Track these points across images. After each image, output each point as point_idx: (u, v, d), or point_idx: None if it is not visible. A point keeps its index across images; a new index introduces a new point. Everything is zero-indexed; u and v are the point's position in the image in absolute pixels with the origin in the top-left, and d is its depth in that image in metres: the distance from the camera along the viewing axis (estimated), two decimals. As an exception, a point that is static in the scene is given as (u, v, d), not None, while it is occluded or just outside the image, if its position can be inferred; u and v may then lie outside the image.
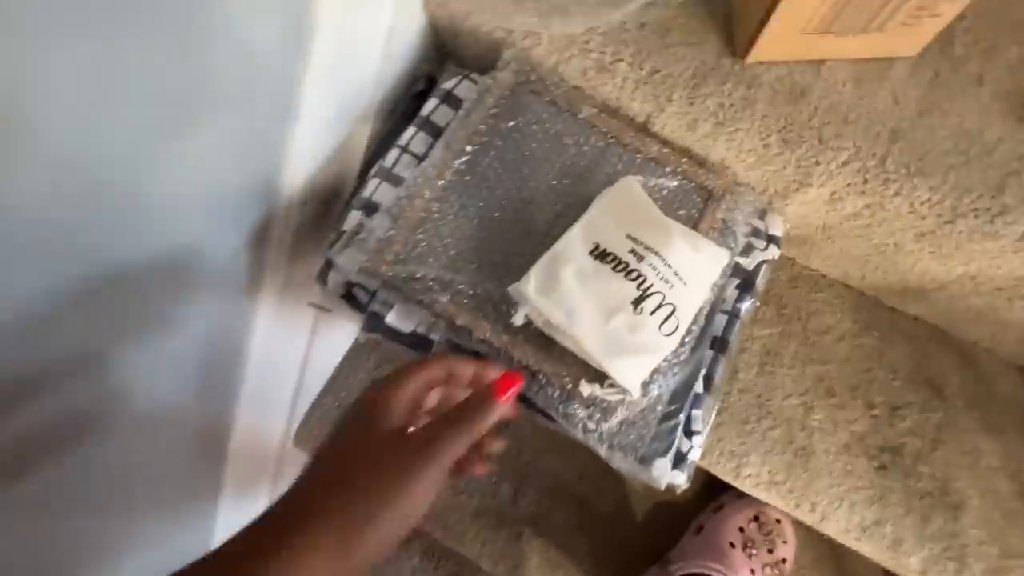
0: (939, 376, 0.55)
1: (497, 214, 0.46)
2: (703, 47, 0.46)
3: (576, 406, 0.41)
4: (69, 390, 0.38)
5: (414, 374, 0.29)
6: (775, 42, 0.42)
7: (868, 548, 0.50)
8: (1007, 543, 0.49)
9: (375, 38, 0.47)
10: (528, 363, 0.41)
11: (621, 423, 0.41)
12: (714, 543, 0.63)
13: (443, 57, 0.57)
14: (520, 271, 0.42)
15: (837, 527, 0.50)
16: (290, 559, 0.24)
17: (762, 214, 0.51)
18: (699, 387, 0.45)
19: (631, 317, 0.39)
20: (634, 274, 0.40)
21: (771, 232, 0.50)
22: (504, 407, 0.28)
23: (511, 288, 0.41)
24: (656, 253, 0.41)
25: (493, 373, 0.30)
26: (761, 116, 0.44)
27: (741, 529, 0.64)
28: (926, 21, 0.42)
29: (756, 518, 0.64)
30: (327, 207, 0.53)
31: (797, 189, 0.48)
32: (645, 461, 0.41)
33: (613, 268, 0.41)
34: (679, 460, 0.44)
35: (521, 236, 0.46)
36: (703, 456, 0.51)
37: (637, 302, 0.40)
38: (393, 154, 0.50)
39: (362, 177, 0.51)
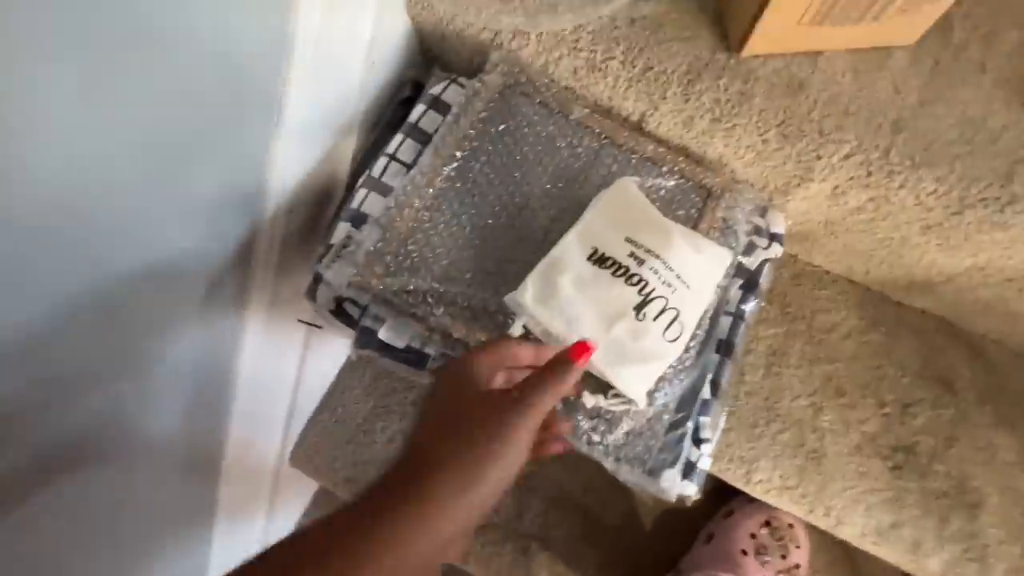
0: (949, 370, 0.54)
1: (490, 221, 0.45)
2: (696, 42, 0.44)
3: (580, 418, 0.39)
4: (51, 416, 0.37)
5: (492, 346, 0.32)
6: (770, 34, 0.41)
7: (886, 552, 0.49)
8: (1029, 541, 0.48)
9: (357, 44, 0.46)
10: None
11: (627, 434, 0.40)
12: (725, 551, 0.61)
13: (429, 62, 0.55)
14: (516, 280, 0.41)
15: (853, 531, 0.49)
16: (419, 505, 0.26)
17: (763, 211, 0.49)
18: (706, 393, 0.44)
19: (633, 324, 0.38)
20: (635, 279, 0.39)
21: (773, 230, 0.49)
22: (580, 369, 0.30)
23: (507, 298, 0.39)
24: (657, 256, 0.40)
25: (550, 352, 0.31)
26: (759, 111, 0.43)
27: (753, 535, 0.62)
28: (924, 8, 0.40)
29: (768, 523, 0.63)
30: (315, 220, 0.52)
31: (798, 184, 0.46)
32: (654, 473, 0.40)
33: (613, 273, 0.39)
34: (688, 470, 0.42)
35: (516, 243, 0.44)
36: (713, 462, 0.49)
37: (639, 308, 0.38)
38: (381, 163, 0.48)
39: (350, 188, 0.49)
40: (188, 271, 0.41)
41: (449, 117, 0.47)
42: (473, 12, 0.47)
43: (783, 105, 0.43)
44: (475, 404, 0.29)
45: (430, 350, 0.42)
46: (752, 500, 0.59)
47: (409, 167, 0.47)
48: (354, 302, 0.45)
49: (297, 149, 0.44)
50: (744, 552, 0.61)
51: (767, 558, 0.61)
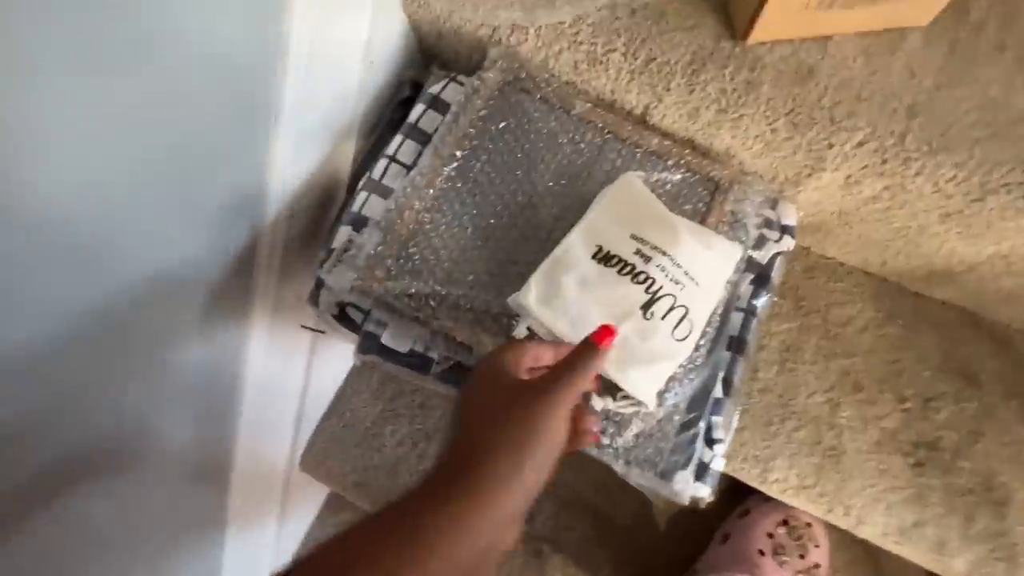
0: (972, 363, 0.52)
1: (492, 221, 0.44)
2: (700, 31, 0.43)
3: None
4: (58, 430, 0.37)
5: (517, 344, 0.33)
6: (776, 20, 0.39)
7: (909, 552, 0.47)
8: (1060, 539, 0.46)
9: (354, 45, 0.45)
10: (534, 378, 0.38)
11: (637, 436, 0.39)
12: (742, 552, 0.60)
13: (428, 60, 0.54)
14: (520, 280, 0.40)
15: (874, 531, 0.47)
16: (467, 499, 0.27)
17: (773, 203, 0.48)
18: (718, 391, 0.43)
19: (641, 323, 0.37)
20: (641, 276, 0.38)
21: (784, 222, 0.47)
22: (605, 351, 0.31)
23: (510, 299, 0.38)
24: (664, 253, 0.39)
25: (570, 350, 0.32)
26: (767, 99, 0.41)
27: (770, 535, 0.61)
28: (938, -14, 0.39)
29: (785, 522, 0.61)
30: (317, 224, 0.51)
31: (810, 175, 0.45)
32: (666, 475, 0.39)
33: (619, 271, 0.38)
34: (701, 471, 0.41)
35: (519, 243, 0.43)
36: (727, 462, 0.48)
37: (647, 307, 0.37)
38: (381, 164, 0.47)
39: (351, 191, 0.49)
40: (189, 279, 0.41)
41: (448, 116, 0.46)
42: (470, 8, 0.46)
43: (792, 93, 0.41)
44: (510, 395, 0.29)
45: (433, 354, 0.41)
46: (768, 499, 0.58)
47: (409, 168, 0.46)
48: (357, 307, 0.44)
49: (296, 153, 0.44)
50: (761, 552, 0.60)
51: (785, 558, 0.60)
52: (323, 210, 0.51)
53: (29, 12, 0.23)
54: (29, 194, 0.27)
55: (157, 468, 0.49)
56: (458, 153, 0.45)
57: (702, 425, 0.41)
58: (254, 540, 0.70)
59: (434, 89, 0.49)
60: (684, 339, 0.38)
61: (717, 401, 0.42)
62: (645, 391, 0.37)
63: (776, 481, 0.49)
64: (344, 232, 0.45)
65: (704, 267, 0.39)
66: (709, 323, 0.41)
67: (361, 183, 0.47)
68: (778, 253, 0.47)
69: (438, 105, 0.49)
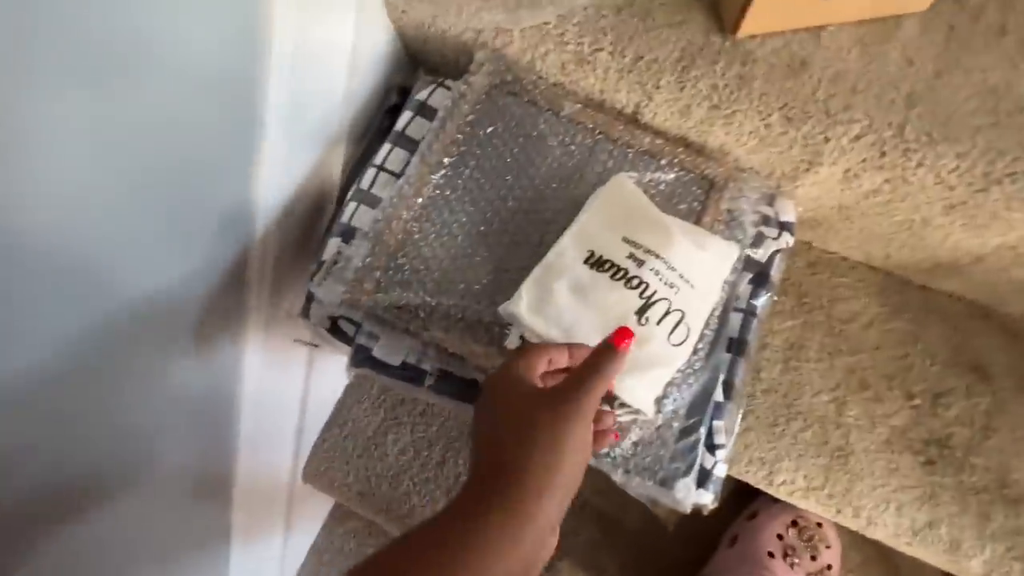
0: (983, 357, 0.51)
1: (483, 228, 0.43)
2: (689, 26, 0.42)
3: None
4: (56, 454, 0.36)
5: (536, 349, 0.32)
6: (766, 12, 0.38)
7: (923, 553, 0.46)
8: (1079, 537, 0.44)
9: (338, 53, 0.44)
10: (528, 387, 0.37)
11: (636, 444, 0.38)
12: (752, 554, 0.59)
13: (416, 66, 0.54)
14: (512, 288, 0.39)
15: (886, 532, 0.46)
16: (503, 514, 0.26)
17: (771, 200, 0.47)
18: (719, 395, 0.42)
19: (636, 329, 0.36)
20: (635, 281, 0.37)
21: (782, 218, 0.46)
22: (624, 354, 0.31)
23: (501, 308, 0.38)
24: (657, 256, 0.38)
25: (585, 351, 0.32)
26: (759, 94, 0.40)
27: (779, 536, 0.60)
28: (934, -29, 0.38)
29: (795, 523, 0.60)
30: (307, 235, 0.51)
31: (807, 169, 0.44)
32: (666, 483, 0.38)
33: (611, 277, 0.37)
34: (704, 478, 0.40)
35: (511, 250, 0.42)
36: (732, 465, 0.47)
37: (641, 312, 0.36)
38: (369, 174, 0.47)
39: (340, 201, 0.48)
40: (180, 296, 0.40)
41: (435, 123, 0.46)
42: (453, 13, 0.45)
43: (785, 86, 0.40)
44: (530, 404, 0.29)
45: (426, 366, 0.41)
46: (777, 500, 0.57)
47: (398, 177, 0.46)
48: (349, 319, 0.44)
49: (283, 164, 0.43)
50: (771, 554, 0.59)
51: (796, 560, 0.58)
52: (314, 221, 0.51)
53: (4, 26, 0.23)
54: (14, 216, 0.27)
55: (158, 486, 0.48)
56: (446, 160, 0.44)
57: (703, 430, 0.40)
58: (259, 554, 0.70)
59: (421, 95, 0.49)
60: (681, 343, 0.37)
61: (718, 405, 0.41)
62: (642, 398, 0.36)
63: (783, 483, 0.47)
64: (333, 244, 0.44)
65: (699, 268, 0.38)
66: (707, 325, 0.40)
67: (350, 193, 0.46)
68: (777, 250, 0.46)
69: (426, 111, 0.48)
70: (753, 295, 0.45)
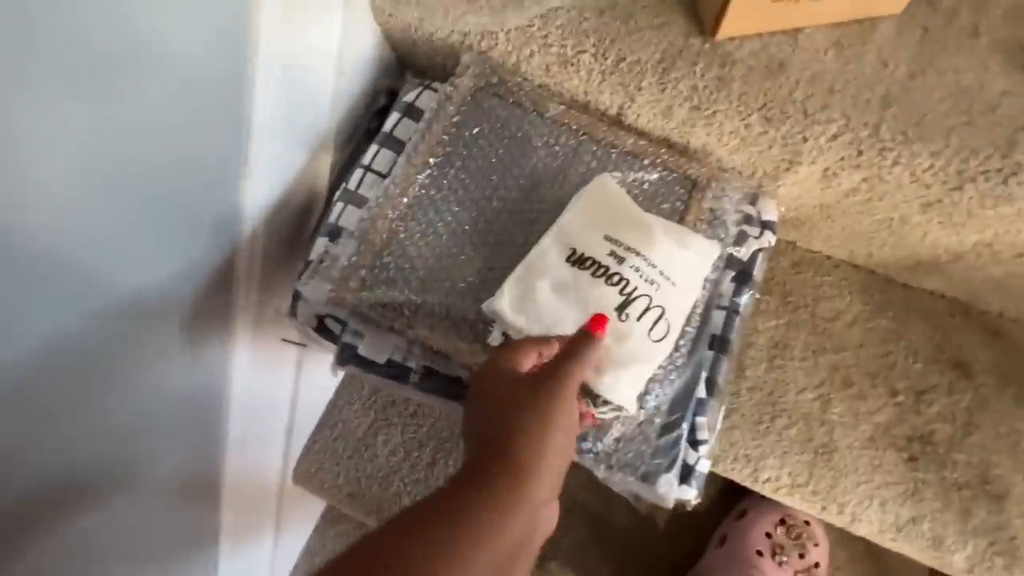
0: (965, 354, 0.51)
1: (467, 228, 0.43)
2: (669, 29, 0.43)
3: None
4: (42, 454, 0.36)
5: (520, 342, 0.34)
6: (744, 14, 0.39)
7: (907, 548, 0.46)
8: (1060, 531, 0.45)
9: (325, 57, 0.45)
10: (512, 384, 0.38)
11: (618, 440, 0.38)
12: (740, 554, 0.59)
13: (404, 69, 0.54)
14: (496, 287, 0.39)
15: (870, 528, 0.46)
16: (493, 496, 0.27)
17: (753, 199, 0.47)
18: (701, 392, 0.42)
19: (616, 325, 0.36)
20: (615, 278, 0.37)
21: (764, 217, 0.47)
22: (601, 339, 0.33)
23: (484, 306, 0.38)
24: (637, 253, 0.38)
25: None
26: (739, 95, 0.41)
27: (768, 535, 0.60)
28: (908, -26, 0.38)
29: (783, 522, 0.60)
30: (296, 237, 0.51)
31: (787, 169, 0.44)
32: (648, 479, 0.38)
33: (592, 274, 0.38)
34: (686, 474, 0.40)
35: (495, 249, 0.43)
36: (717, 462, 0.48)
37: (621, 308, 0.37)
38: (357, 175, 0.47)
39: (329, 202, 0.49)
40: (168, 296, 0.41)
41: (421, 124, 0.46)
42: (439, 16, 0.46)
43: (763, 87, 0.41)
44: (514, 391, 0.30)
45: (411, 364, 0.41)
46: (766, 498, 0.57)
47: (385, 177, 0.46)
48: (335, 318, 0.44)
49: (270, 166, 0.44)
50: (760, 553, 0.59)
51: (784, 558, 0.59)
52: (302, 222, 0.51)
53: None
54: (2, 215, 0.27)
55: (145, 486, 0.49)
56: (431, 161, 0.45)
57: (685, 426, 0.40)
58: (249, 556, 0.70)
59: (408, 97, 0.49)
60: (661, 340, 0.37)
61: (700, 401, 0.42)
62: (624, 395, 0.36)
63: (768, 481, 0.48)
64: (321, 244, 0.45)
65: (680, 266, 0.39)
66: (689, 322, 0.41)
67: (337, 194, 0.47)
68: (759, 249, 0.46)
69: (413, 113, 0.48)
70: (736, 293, 0.45)
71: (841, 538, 0.62)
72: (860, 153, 0.40)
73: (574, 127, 0.46)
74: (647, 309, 0.37)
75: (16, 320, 0.30)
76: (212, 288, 0.44)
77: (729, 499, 0.66)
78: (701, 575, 0.60)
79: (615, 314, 0.37)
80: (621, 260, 0.38)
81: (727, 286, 0.45)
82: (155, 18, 0.30)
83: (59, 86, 0.27)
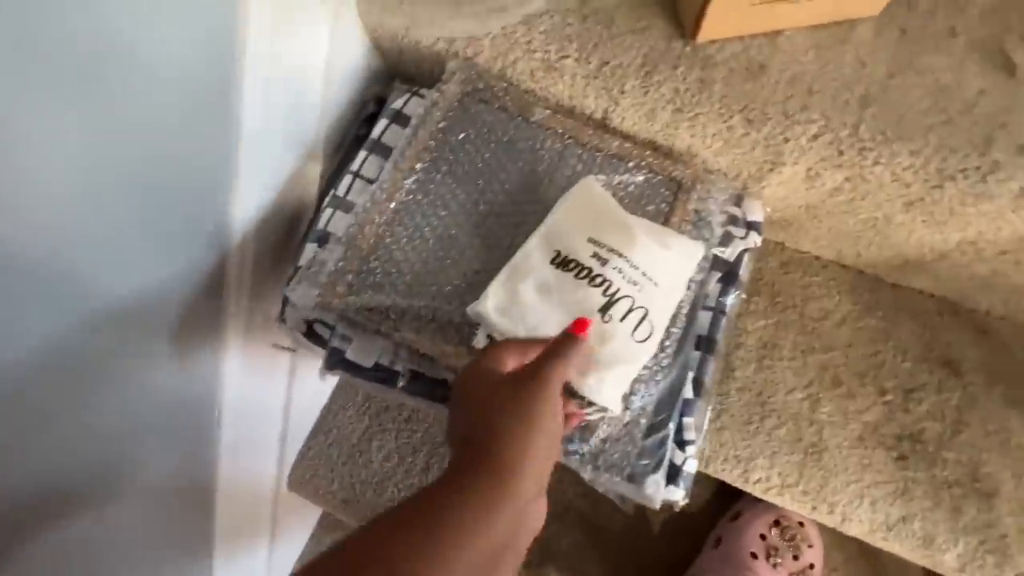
0: (953, 352, 0.51)
1: (454, 232, 0.44)
2: (650, 32, 0.43)
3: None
4: (34, 461, 0.37)
5: (502, 343, 0.34)
6: (723, 17, 0.40)
7: (898, 548, 0.46)
8: (1051, 529, 0.45)
9: (313, 64, 0.45)
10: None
11: (604, 441, 0.38)
12: (735, 556, 0.59)
13: (394, 76, 0.55)
14: (482, 290, 0.40)
15: (861, 528, 0.46)
16: (475, 494, 0.27)
17: (738, 200, 0.48)
18: (688, 392, 0.42)
19: (600, 326, 0.37)
20: (598, 279, 0.37)
21: (750, 218, 0.47)
22: (583, 340, 0.33)
23: (469, 308, 0.38)
24: (620, 254, 0.38)
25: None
26: (720, 97, 0.41)
27: (762, 536, 0.60)
28: (885, -24, 0.39)
29: (777, 523, 0.60)
30: (286, 242, 0.52)
31: (771, 169, 0.45)
32: (635, 479, 0.38)
33: (576, 276, 0.38)
34: (674, 474, 0.40)
35: (482, 252, 0.43)
36: (707, 463, 0.48)
37: (604, 309, 0.37)
38: (346, 181, 0.48)
39: (319, 208, 0.49)
40: (158, 303, 0.41)
41: (408, 130, 0.47)
42: (425, 23, 0.47)
43: (744, 89, 0.41)
44: (497, 390, 0.30)
45: (399, 367, 0.41)
46: (760, 500, 0.57)
47: (374, 183, 0.47)
48: (324, 323, 0.44)
49: (260, 174, 0.44)
50: (754, 555, 0.59)
51: (779, 560, 0.59)
52: (292, 228, 0.52)
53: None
54: None
55: (137, 493, 0.49)
56: (418, 166, 0.45)
57: (671, 427, 0.40)
58: (245, 564, 0.70)
59: (397, 104, 0.50)
60: (645, 340, 0.38)
61: (687, 402, 0.42)
62: (608, 396, 0.36)
63: (758, 481, 0.48)
64: (310, 249, 0.45)
65: (663, 267, 0.39)
66: (675, 323, 0.41)
67: (326, 200, 0.47)
68: (745, 250, 0.47)
69: (401, 119, 0.49)
70: (722, 293, 0.45)
71: (836, 539, 0.62)
72: (841, 153, 0.40)
73: (559, 131, 0.47)
74: (630, 310, 0.37)
75: (5, 321, 0.30)
76: (203, 294, 0.44)
77: (724, 500, 0.66)
78: (696, 577, 0.60)
79: (598, 315, 0.37)
80: (604, 262, 0.38)
81: (713, 287, 0.45)
82: (143, 26, 0.30)
83: (48, 93, 0.27)
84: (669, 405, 0.40)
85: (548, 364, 0.31)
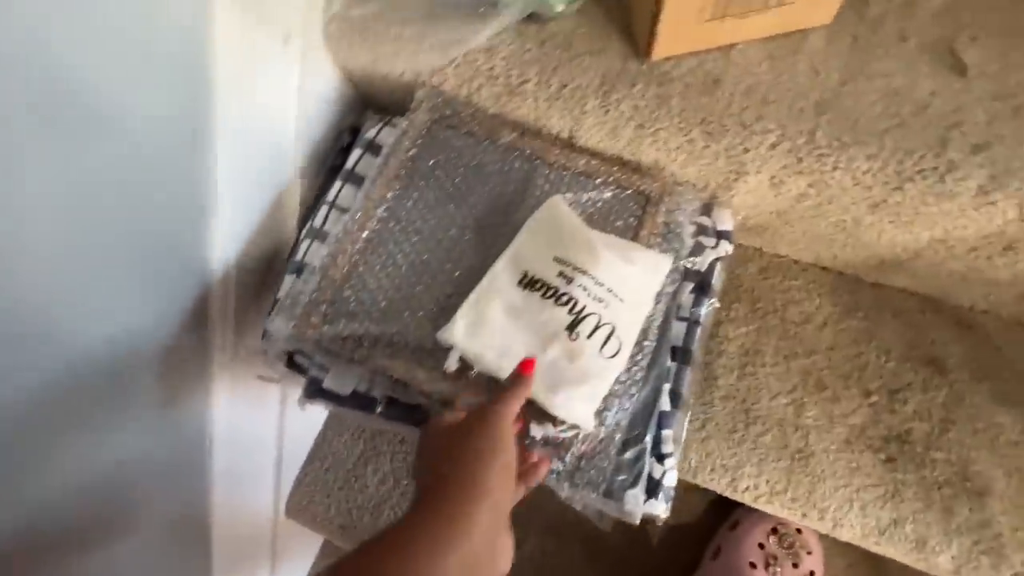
0: (937, 349, 0.51)
1: (426, 257, 0.44)
2: (607, 53, 0.44)
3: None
4: (25, 503, 0.37)
5: (461, 411, 0.36)
6: (675, 35, 0.41)
7: (892, 552, 0.45)
8: (1046, 526, 0.44)
9: (284, 97, 0.47)
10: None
11: (580, 458, 0.38)
12: (734, 566, 0.58)
13: (366, 106, 0.56)
14: (454, 313, 0.40)
15: (852, 533, 0.46)
16: (424, 531, 0.28)
17: (707, 210, 0.48)
18: (665, 404, 0.42)
19: (568, 344, 0.37)
20: (564, 298, 0.38)
21: (720, 227, 0.48)
22: (529, 377, 0.35)
23: (438, 334, 0.39)
24: (585, 272, 0.39)
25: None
26: (679, 111, 0.42)
27: (761, 545, 0.59)
28: (832, -14, 0.40)
29: (775, 531, 0.60)
30: (267, 275, 0.53)
31: (736, 179, 0.45)
32: (612, 495, 0.38)
33: (543, 296, 0.38)
34: (653, 488, 0.40)
35: (453, 276, 0.44)
36: (695, 473, 0.47)
37: (572, 327, 0.37)
38: (322, 212, 0.49)
39: (297, 239, 0.50)
40: (144, 342, 0.42)
41: (379, 159, 0.48)
42: (390, 56, 0.48)
43: (701, 103, 0.42)
44: (450, 434, 0.33)
45: (375, 393, 0.42)
46: (756, 509, 0.57)
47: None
48: (303, 353, 0.45)
49: (237, 210, 0.45)
50: (753, 565, 0.58)
51: (778, 568, 0.58)
52: (273, 260, 0.53)
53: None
54: None
55: (133, 529, 0.49)
56: (389, 195, 0.46)
57: (649, 440, 0.40)
58: (245, 595, 0.70)
59: (369, 134, 0.51)
60: (614, 356, 0.38)
61: (664, 414, 0.42)
62: (578, 413, 0.37)
63: (747, 489, 0.47)
64: (288, 281, 0.46)
65: (629, 283, 0.40)
66: (647, 336, 0.41)
67: (303, 231, 0.48)
68: (717, 259, 0.47)
69: (373, 149, 0.50)
70: (696, 303, 0.46)
71: (838, 545, 0.61)
72: (800, 160, 0.41)
73: (527, 152, 0.48)
74: (597, 327, 0.38)
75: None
76: (188, 330, 0.45)
77: (724, 509, 0.65)
78: (695, 590, 0.59)
79: (566, 333, 0.37)
80: (570, 280, 0.39)
81: (687, 297, 0.46)
82: (112, 77, 0.31)
83: (25, 148, 0.28)
84: (645, 418, 0.40)
85: (494, 405, 0.33)
